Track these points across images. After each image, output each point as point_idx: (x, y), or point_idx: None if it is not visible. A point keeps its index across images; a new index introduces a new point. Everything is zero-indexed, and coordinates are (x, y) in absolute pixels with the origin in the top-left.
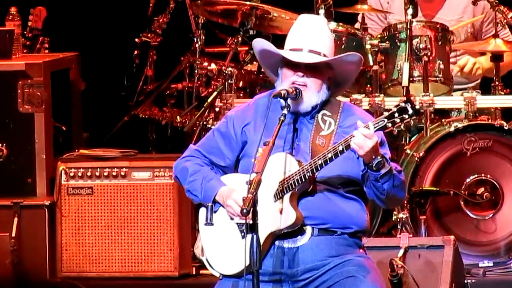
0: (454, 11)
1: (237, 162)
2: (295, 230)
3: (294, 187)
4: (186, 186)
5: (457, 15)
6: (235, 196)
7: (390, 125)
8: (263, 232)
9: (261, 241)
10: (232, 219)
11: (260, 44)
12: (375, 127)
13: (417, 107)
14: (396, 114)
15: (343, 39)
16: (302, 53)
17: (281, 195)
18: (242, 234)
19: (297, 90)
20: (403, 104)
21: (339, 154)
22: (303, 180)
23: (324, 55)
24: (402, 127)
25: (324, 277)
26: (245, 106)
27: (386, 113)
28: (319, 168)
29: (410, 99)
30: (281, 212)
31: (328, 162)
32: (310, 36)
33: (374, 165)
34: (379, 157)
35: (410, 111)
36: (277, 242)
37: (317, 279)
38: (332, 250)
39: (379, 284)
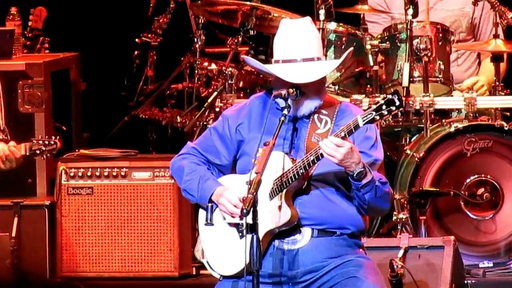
0: (456, 1)
1: (234, 161)
2: (292, 230)
3: (288, 184)
4: (182, 185)
5: (458, 5)
6: (226, 194)
7: (378, 117)
8: (260, 231)
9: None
10: (224, 218)
11: (251, 63)
12: (363, 121)
13: (417, 107)
14: (384, 106)
15: (343, 39)
16: (296, 64)
17: (276, 193)
18: (240, 234)
19: (298, 91)
20: (390, 96)
21: None
22: (297, 177)
23: (318, 58)
24: (390, 118)
25: (325, 278)
26: (241, 105)
27: (374, 106)
28: (311, 165)
29: (397, 91)
30: (276, 210)
31: (320, 158)
32: (300, 43)
33: (355, 175)
34: (360, 166)
35: (397, 103)
36: (276, 244)
37: (318, 281)
38: (332, 251)
39: (379, 285)
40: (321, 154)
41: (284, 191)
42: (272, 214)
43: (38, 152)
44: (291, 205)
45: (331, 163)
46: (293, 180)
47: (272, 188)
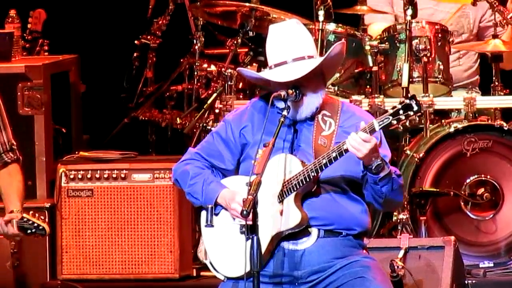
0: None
1: (238, 165)
2: (300, 231)
3: (298, 187)
4: (186, 189)
5: (459, 6)
6: (239, 199)
7: (395, 122)
8: (268, 234)
9: (266, 242)
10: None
11: (245, 73)
12: (380, 125)
13: None
14: (401, 111)
15: (343, 40)
16: (287, 66)
17: (285, 196)
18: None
19: (297, 91)
20: (407, 101)
21: (343, 153)
22: (307, 180)
23: (309, 56)
24: (401, 126)
25: (331, 278)
26: (242, 109)
27: (390, 110)
28: (323, 168)
29: (415, 95)
30: (286, 213)
31: (333, 161)
32: (288, 44)
33: (373, 168)
34: (378, 160)
35: (415, 108)
36: (282, 244)
37: (324, 281)
38: (337, 251)
39: (387, 285)
40: (334, 158)
41: (294, 193)
42: (281, 217)
43: (28, 232)
44: (300, 208)
45: (338, 166)
46: (304, 183)
47: (281, 190)
